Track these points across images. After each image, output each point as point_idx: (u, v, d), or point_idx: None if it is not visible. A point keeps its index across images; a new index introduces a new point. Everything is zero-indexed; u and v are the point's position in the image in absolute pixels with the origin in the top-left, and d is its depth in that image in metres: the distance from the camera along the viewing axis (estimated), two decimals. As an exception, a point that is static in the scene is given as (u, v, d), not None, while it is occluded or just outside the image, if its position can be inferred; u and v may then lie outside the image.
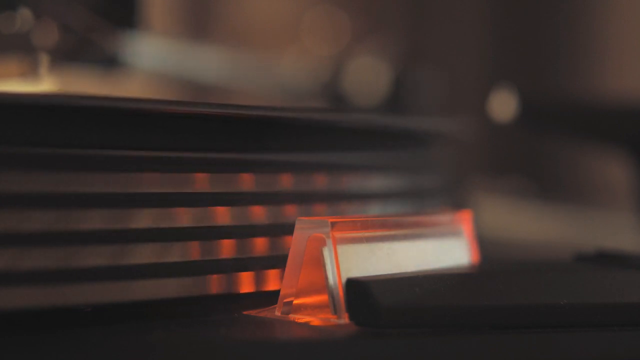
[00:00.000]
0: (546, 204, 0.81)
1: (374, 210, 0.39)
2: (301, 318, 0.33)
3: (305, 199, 0.36)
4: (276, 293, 0.33)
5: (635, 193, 0.56)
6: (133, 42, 0.62)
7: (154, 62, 0.64)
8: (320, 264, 0.32)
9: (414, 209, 0.42)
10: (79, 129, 0.31)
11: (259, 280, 0.34)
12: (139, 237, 0.31)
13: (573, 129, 0.56)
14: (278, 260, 0.34)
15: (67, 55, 0.58)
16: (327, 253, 0.32)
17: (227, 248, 0.33)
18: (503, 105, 0.52)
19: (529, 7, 1.25)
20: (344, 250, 0.32)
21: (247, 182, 0.34)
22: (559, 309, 0.33)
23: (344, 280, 0.32)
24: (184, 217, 0.32)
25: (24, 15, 0.56)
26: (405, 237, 0.35)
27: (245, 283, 0.34)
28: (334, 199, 0.37)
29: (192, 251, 0.33)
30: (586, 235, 0.70)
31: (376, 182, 0.40)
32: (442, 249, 0.36)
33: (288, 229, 0.34)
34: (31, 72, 0.55)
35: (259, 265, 0.34)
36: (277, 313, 0.33)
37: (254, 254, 0.34)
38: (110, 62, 0.61)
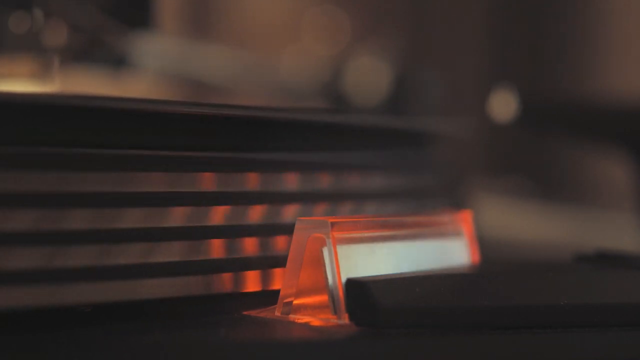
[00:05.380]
0: (546, 204, 0.81)
1: (374, 210, 0.39)
2: (301, 318, 0.33)
3: (305, 199, 0.36)
4: (276, 293, 0.33)
5: (635, 193, 0.56)
6: (142, 42, 0.62)
7: (162, 62, 0.64)
8: (320, 264, 0.32)
9: (414, 209, 0.42)
10: (80, 128, 0.31)
11: (258, 280, 0.34)
12: (139, 236, 0.31)
13: (573, 129, 0.56)
14: (278, 260, 0.34)
15: (77, 55, 0.58)
16: (327, 253, 0.32)
17: (227, 248, 0.33)
18: (503, 105, 0.52)
19: (529, 7, 1.25)
20: (344, 250, 0.32)
21: (246, 181, 0.34)
22: (559, 309, 0.33)
23: (344, 280, 0.32)
24: (184, 216, 0.32)
25: (35, 15, 0.56)
26: (405, 237, 0.35)
27: (245, 283, 0.34)
28: (334, 199, 0.37)
29: (192, 251, 0.33)
30: (586, 235, 0.70)
31: (376, 182, 0.40)
32: (442, 249, 0.36)
33: (288, 228, 0.34)
34: (42, 72, 0.55)
35: (259, 265, 0.34)
36: (277, 313, 0.33)
37: (253, 254, 0.34)
38: (119, 62, 0.61)
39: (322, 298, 0.32)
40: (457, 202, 0.48)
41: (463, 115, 0.54)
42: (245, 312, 0.34)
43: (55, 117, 0.30)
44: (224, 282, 0.33)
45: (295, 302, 0.33)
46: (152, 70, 0.63)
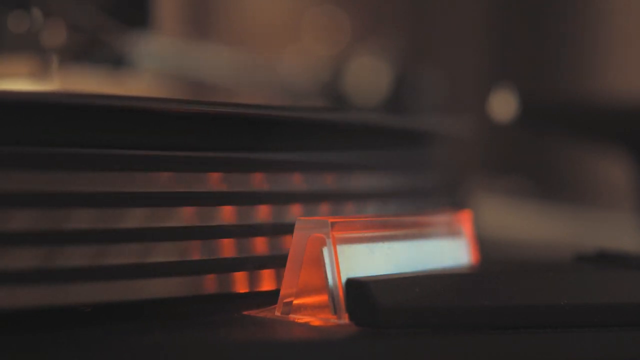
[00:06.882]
0: (546, 204, 0.81)
1: (374, 210, 0.39)
2: (301, 318, 0.33)
3: (305, 199, 0.36)
4: (276, 293, 0.33)
5: (635, 193, 0.56)
6: (142, 42, 0.62)
7: (162, 62, 0.64)
8: (320, 264, 0.32)
9: (414, 209, 0.42)
10: (80, 128, 0.31)
11: (258, 280, 0.34)
12: (139, 236, 0.31)
13: (573, 129, 0.56)
14: (278, 260, 0.34)
15: (76, 55, 0.58)
16: (327, 253, 0.32)
17: (227, 248, 0.33)
18: (503, 105, 0.52)
19: (529, 7, 1.25)
20: (344, 250, 0.32)
21: (246, 181, 0.34)
22: (559, 309, 0.33)
23: (344, 280, 0.32)
24: (184, 216, 0.32)
25: (35, 15, 0.56)
26: (405, 237, 0.35)
27: (245, 283, 0.34)
28: (334, 198, 0.37)
29: (192, 251, 0.33)
30: (586, 235, 0.70)
31: (376, 182, 0.40)
32: (442, 249, 0.36)
33: (288, 228, 0.34)
34: (41, 71, 0.55)
35: (259, 265, 0.34)
36: (277, 313, 0.33)
37: (253, 254, 0.34)
38: (118, 62, 0.61)
39: (322, 298, 0.32)
40: (457, 202, 0.48)
41: (463, 115, 0.54)
42: (245, 312, 0.34)
43: (57, 117, 0.30)
44: (224, 282, 0.33)
45: (295, 302, 0.33)
46: (151, 70, 0.63)
